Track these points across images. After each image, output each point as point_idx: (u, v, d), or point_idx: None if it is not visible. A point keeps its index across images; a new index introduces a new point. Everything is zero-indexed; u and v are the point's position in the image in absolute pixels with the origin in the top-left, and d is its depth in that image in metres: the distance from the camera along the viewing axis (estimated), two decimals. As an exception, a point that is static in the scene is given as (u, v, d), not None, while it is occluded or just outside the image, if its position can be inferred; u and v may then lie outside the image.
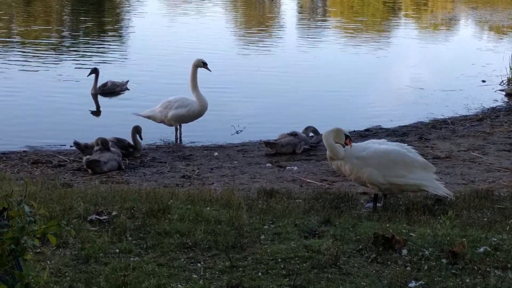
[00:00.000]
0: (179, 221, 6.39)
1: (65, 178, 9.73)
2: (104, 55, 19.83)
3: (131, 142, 11.34)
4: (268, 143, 11.52)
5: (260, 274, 5.35)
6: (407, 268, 5.53)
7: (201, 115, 12.69)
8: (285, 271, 5.40)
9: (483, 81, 17.44)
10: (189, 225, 6.26)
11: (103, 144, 10.59)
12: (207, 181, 9.71)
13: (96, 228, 6.20)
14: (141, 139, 11.49)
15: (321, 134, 11.68)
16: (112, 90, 15.60)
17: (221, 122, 13.59)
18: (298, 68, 18.78)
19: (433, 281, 5.30)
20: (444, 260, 5.66)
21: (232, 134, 12.95)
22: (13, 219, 3.20)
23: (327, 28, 27.70)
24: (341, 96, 16.26)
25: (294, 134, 11.58)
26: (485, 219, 7.19)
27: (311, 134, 11.90)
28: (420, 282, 5.27)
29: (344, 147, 7.89)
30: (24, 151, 11.44)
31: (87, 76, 15.52)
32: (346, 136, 7.86)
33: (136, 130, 11.39)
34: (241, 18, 31.66)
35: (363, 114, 14.57)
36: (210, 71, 12.74)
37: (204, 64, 12.58)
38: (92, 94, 15.31)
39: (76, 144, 11.00)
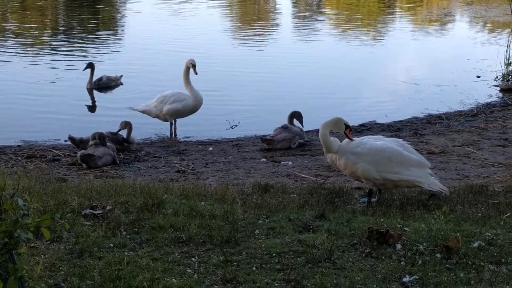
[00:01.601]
0: (174, 215, 6.38)
1: (59, 173, 9.70)
2: (97, 49, 19.79)
3: (125, 136, 11.30)
4: (265, 140, 11.51)
5: (254, 268, 5.35)
6: (401, 263, 5.53)
7: (196, 110, 12.68)
8: (279, 266, 5.40)
9: (478, 77, 17.47)
10: (184, 220, 6.25)
11: (100, 139, 10.55)
12: (201, 176, 9.70)
13: (90, 223, 6.19)
14: (123, 136, 11.33)
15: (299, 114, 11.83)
16: (107, 84, 15.59)
17: (216, 117, 13.57)
18: (292, 64, 18.78)
19: (427, 275, 5.31)
20: (438, 255, 5.67)
21: (227, 129, 12.94)
22: (6, 212, 3.19)
23: (322, 24, 27.70)
24: (336, 91, 16.25)
25: (285, 127, 11.58)
26: (480, 214, 7.20)
27: (295, 122, 11.89)
28: (414, 277, 5.28)
29: (342, 139, 7.92)
30: (18, 146, 11.40)
31: (83, 70, 15.50)
32: (346, 126, 7.86)
33: (126, 126, 11.30)
34: (236, 14, 31.63)
35: (358, 109, 14.57)
36: (196, 74, 12.59)
37: (192, 66, 12.49)
38: (87, 88, 15.28)
39: (71, 138, 10.97)
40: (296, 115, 11.93)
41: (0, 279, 3.11)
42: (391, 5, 34.93)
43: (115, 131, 11.28)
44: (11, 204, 3.13)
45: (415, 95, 15.81)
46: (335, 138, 8.04)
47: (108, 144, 10.65)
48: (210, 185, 8.38)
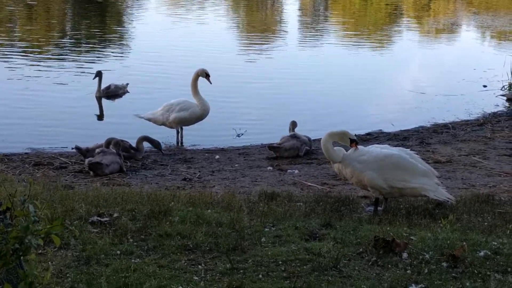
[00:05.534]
0: (180, 223, 6.41)
1: (66, 180, 9.75)
2: (104, 58, 19.86)
3: (133, 144, 11.33)
4: (272, 147, 11.52)
5: (260, 276, 5.37)
6: (408, 272, 5.54)
7: (203, 118, 12.72)
8: (285, 274, 5.41)
9: (485, 86, 17.46)
10: (190, 227, 6.28)
11: (116, 145, 10.62)
12: (208, 183, 9.73)
13: (98, 230, 6.22)
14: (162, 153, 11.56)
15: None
16: (115, 92, 15.67)
17: (223, 125, 13.60)
18: (299, 72, 18.82)
19: (433, 284, 5.31)
20: (444, 264, 5.67)
21: (233, 137, 12.97)
22: (16, 218, 3.22)
23: (328, 31, 27.73)
24: (343, 99, 16.29)
25: (293, 136, 11.61)
26: (486, 223, 7.20)
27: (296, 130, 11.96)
28: (420, 286, 5.29)
29: (348, 149, 7.94)
30: (26, 153, 11.45)
31: (93, 79, 15.44)
32: (352, 140, 7.88)
33: (146, 140, 11.41)
34: (243, 21, 31.69)
35: (364, 118, 14.59)
36: (211, 83, 12.70)
37: (206, 75, 12.58)
38: (96, 97, 15.33)
39: (78, 148, 10.96)
40: (295, 125, 11.98)
41: (10, 285, 3.14)
42: (398, 14, 34.95)
43: (123, 139, 11.27)
44: (22, 210, 3.17)
45: (422, 104, 15.82)
46: (339, 147, 8.05)
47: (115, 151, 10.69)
48: (217, 193, 8.40)
